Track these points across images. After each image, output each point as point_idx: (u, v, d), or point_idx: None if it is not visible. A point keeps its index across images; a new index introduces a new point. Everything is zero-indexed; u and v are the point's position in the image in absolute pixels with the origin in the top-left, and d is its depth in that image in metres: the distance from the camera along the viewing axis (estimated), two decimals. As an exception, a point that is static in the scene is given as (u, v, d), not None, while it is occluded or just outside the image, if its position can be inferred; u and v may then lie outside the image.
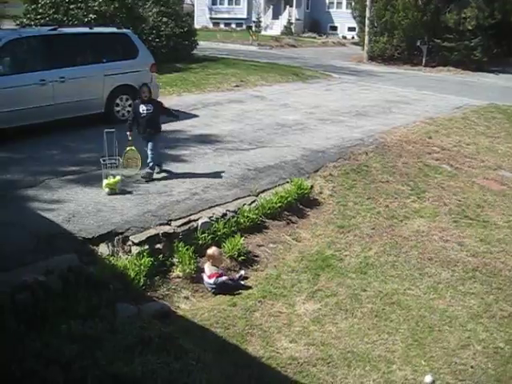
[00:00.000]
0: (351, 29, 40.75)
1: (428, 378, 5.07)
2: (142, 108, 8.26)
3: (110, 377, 3.64)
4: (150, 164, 8.42)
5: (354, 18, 32.95)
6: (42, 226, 6.56)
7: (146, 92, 8.32)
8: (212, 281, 6.44)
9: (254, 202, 8.19)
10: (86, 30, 11.78)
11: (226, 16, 47.82)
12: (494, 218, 8.84)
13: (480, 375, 5.20)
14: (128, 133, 8.33)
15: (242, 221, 7.64)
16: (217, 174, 8.89)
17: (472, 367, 5.30)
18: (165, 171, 8.74)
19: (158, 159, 8.65)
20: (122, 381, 3.61)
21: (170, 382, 3.75)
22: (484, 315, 6.20)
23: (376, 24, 28.89)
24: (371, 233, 8.00)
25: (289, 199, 8.39)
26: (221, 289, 6.43)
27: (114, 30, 12.25)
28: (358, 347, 5.45)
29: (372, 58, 29.34)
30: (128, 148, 8.34)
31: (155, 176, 8.49)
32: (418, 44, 27.71)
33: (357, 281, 6.72)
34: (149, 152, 8.36)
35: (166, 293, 6.24)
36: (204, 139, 11.00)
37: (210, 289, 6.49)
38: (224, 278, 6.49)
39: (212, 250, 6.71)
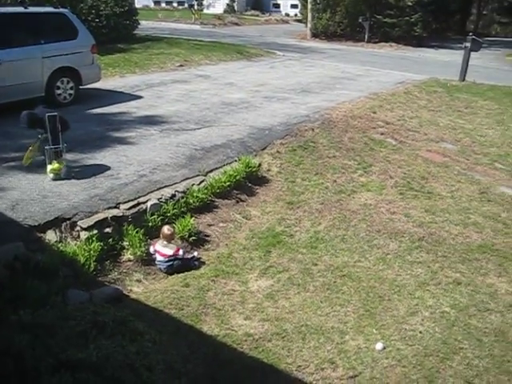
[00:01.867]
0: (294, 6, 40.79)
1: (379, 345, 5.24)
2: None
3: (64, 364, 3.58)
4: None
5: (297, -5, 32.97)
6: (-16, 215, 6.35)
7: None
8: (173, 257, 6.41)
9: (202, 181, 8.15)
10: (20, 9, 11.32)
11: (167, -6, 47.01)
12: (438, 188, 9.11)
13: (428, 339, 5.41)
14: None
15: (191, 201, 7.60)
16: (164, 155, 8.79)
17: (421, 332, 5.50)
18: None
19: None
20: (77, 367, 3.56)
21: (127, 364, 3.73)
22: (431, 282, 6.41)
23: (319, 1, 28.99)
24: (320, 208, 8.11)
25: (237, 178, 8.40)
26: (177, 266, 6.42)
27: (51, 9, 11.83)
28: (312, 320, 5.56)
29: (315, 34, 29.51)
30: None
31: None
32: (360, 20, 28.02)
33: (308, 255, 6.82)
34: None
35: (118, 277, 6.17)
36: (149, 120, 10.83)
37: (163, 268, 6.45)
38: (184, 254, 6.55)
39: (167, 228, 6.67)
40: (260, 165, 9.12)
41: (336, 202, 8.34)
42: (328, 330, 5.42)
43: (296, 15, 40.30)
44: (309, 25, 29.52)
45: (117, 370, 3.61)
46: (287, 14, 44.16)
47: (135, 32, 22.75)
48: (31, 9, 11.41)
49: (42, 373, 3.47)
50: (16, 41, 10.80)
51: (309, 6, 29.10)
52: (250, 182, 8.66)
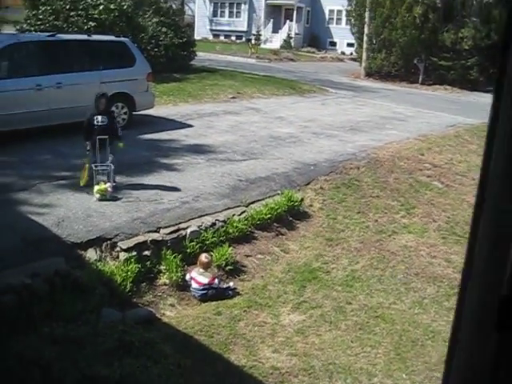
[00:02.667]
0: (350, 45, 41.04)
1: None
2: (98, 119, 8.05)
3: (89, 379, 3.67)
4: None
5: (353, 34, 33.21)
6: (31, 230, 6.60)
7: (103, 103, 8.19)
8: (208, 286, 6.47)
9: (243, 212, 8.24)
10: (84, 37, 11.89)
11: (226, 28, 48.13)
12: (482, 235, 8.90)
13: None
14: (86, 143, 8.15)
15: (230, 231, 7.68)
16: (208, 184, 8.95)
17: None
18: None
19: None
20: (101, 383, 3.65)
21: (148, 385, 3.80)
22: (467, 331, 6.24)
23: (374, 41, 29.15)
24: (359, 247, 8.06)
25: (278, 211, 8.45)
26: (212, 294, 6.47)
27: (112, 38, 12.37)
28: (341, 359, 5.49)
29: (369, 74, 29.57)
30: (86, 159, 8.18)
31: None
32: (415, 62, 27.96)
33: (342, 293, 6.77)
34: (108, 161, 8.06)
35: (152, 299, 6.28)
36: (197, 149, 11.07)
37: (197, 296, 6.52)
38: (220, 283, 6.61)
39: (205, 256, 6.76)
40: (302, 200, 9.15)
41: (376, 241, 8.27)
42: (356, 370, 5.34)
43: (351, 54, 40.56)
44: (363, 64, 29.65)
45: (138, 390, 3.69)
46: (343, 53, 44.49)
47: (192, 63, 23.39)
48: (94, 37, 11.95)
49: (67, 385, 3.58)
50: (77, 66, 11.32)
51: (364, 46, 29.29)
52: (291, 216, 8.69)
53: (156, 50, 20.30)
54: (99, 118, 8.12)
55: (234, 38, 46.91)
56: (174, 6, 33.94)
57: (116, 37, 12.52)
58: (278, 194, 9.03)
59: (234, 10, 47.86)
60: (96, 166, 7.87)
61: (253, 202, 8.61)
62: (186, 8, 48.68)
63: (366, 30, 29.11)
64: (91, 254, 6.44)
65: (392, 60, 28.57)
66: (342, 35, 44.67)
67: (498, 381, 0.91)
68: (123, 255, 6.55)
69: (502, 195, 0.91)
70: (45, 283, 5.52)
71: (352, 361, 5.49)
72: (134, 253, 6.58)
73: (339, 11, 43.83)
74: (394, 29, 27.66)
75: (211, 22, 48.73)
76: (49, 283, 5.54)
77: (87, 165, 8.11)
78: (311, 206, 9.20)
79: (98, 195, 7.76)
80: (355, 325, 6.12)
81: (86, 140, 8.17)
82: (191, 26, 43.16)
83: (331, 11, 46.91)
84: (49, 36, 11.48)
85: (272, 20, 46.09)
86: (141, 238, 6.86)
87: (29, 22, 18.20)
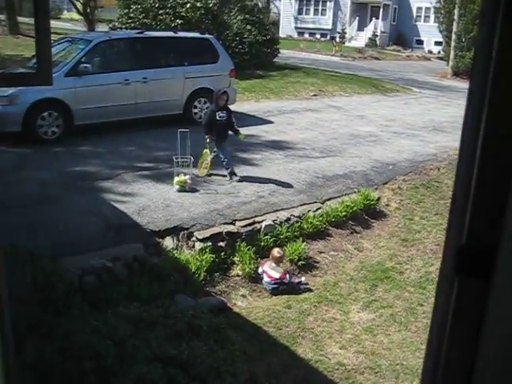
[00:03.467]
0: (438, 43, 39.83)
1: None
2: (220, 114, 8.53)
3: (158, 357, 3.87)
4: (227, 166, 8.71)
5: (441, 32, 32.24)
6: (113, 216, 6.96)
7: (224, 99, 8.61)
8: (279, 281, 6.57)
9: (319, 208, 8.26)
10: (170, 34, 12.30)
11: (311, 26, 48.05)
12: None
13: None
14: (207, 136, 8.60)
15: (305, 226, 7.73)
16: (285, 180, 9.03)
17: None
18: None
19: (229, 162, 8.87)
20: (169, 362, 3.82)
21: (213, 367, 3.93)
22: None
23: (463, 39, 28.18)
24: (435, 249, 7.88)
25: (354, 209, 8.40)
26: (283, 289, 6.56)
27: (197, 35, 12.71)
28: (409, 360, 5.42)
29: (457, 73, 28.64)
30: (204, 151, 8.64)
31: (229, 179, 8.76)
32: (507, 61, 26.79)
33: (415, 295, 6.66)
34: (222, 155, 8.61)
35: (224, 289, 6.44)
36: (276, 145, 11.19)
37: (268, 289, 6.62)
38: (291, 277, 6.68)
39: (277, 251, 6.86)
40: (379, 199, 9.06)
41: (453, 244, 8.05)
42: (425, 372, 5.25)
43: (439, 52, 39.35)
44: (450, 63, 28.75)
45: (203, 371, 3.83)
46: (430, 51, 43.28)
47: (275, 60, 23.56)
48: (180, 33, 12.34)
49: (138, 361, 3.77)
50: (163, 61, 11.74)
51: (452, 44, 28.39)
52: (366, 215, 8.62)
53: (240, 47, 20.62)
54: (220, 113, 8.55)
55: (318, 36, 46.78)
56: (259, 4, 34.27)
57: (201, 34, 12.85)
58: (355, 192, 8.98)
59: (320, 8, 47.66)
60: (177, 159, 8.15)
61: (329, 199, 8.61)
62: (272, 6, 48.97)
63: (454, 28, 28.18)
64: (168, 243, 6.69)
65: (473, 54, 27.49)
66: (429, 33, 43.45)
67: (458, 321, 1.01)
68: (199, 245, 6.76)
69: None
70: (124, 267, 5.81)
71: (420, 363, 5.39)
72: (210, 243, 6.77)
73: (427, 8, 42.68)
74: (486, 27, 26.59)
75: (296, 19, 48.78)
76: (127, 267, 5.83)
77: (209, 156, 8.62)
78: (388, 205, 9.08)
79: (177, 186, 8.03)
80: (426, 327, 5.99)
81: (207, 134, 8.62)
82: (276, 23, 43.41)
83: (419, 8, 45.77)
84: (137, 33, 11.98)
85: (357, 18, 45.53)
86: (216, 229, 7.04)
87: (120, 20, 19.00)
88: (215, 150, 8.73)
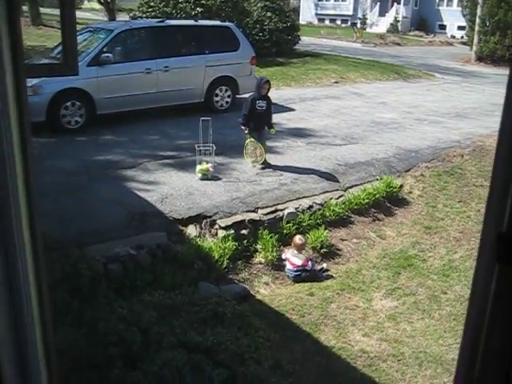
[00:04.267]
0: (461, 28, 39.25)
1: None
2: (260, 104, 8.47)
3: (183, 343, 3.92)
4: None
5: (464, 16, 31.71)
6: (137, 205, 7.02)
7: (266, 88, 8.53)
8: (301, 268, 6.58)
9: (341, 196, 8.25)
10: (190, 22, 12.29)
11: (331, 12, 47.64)
12: None
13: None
14: (243, 127, 8.58)
15: (327, 214, 7.73)
16: (307, 167, 9.01)
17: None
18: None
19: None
20: (193, 349, 3.87)
21: (237, 354, 3.97)
22: None
23: (487, 23, 27.68)
24: (459, 236, 7.83)
25: (377, 196, 8.37)
26: (305, 276, 6.58)
27: (218, 23, 12.69)
28: (432, 348, 5.41)
29: (480, 58, 28.17)
30: (248, 141, 8.63)
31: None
32: (533, 45, 26.30)
33: (438, 283, 6.63)
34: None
35: (247, 277, 6.49)
36: (298, 133, 11.15)
37: (291, 276, 6.65)
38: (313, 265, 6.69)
39: (299, 238, 6.87)
40: (402, 186, 9.00)
41: (477, 232, 7.97)
42: (447, 361, 5.24)
43: (462, 37, 38.74)
44: (474, 48, 28.28)
45: (227, 357, 3.87)
46: (453, 36, 42.64)
47: (296, 47, 23.41)
48: (200, 22, 12.32)
49: (163, 347, 3.83)
50: (184, 50, 11.76)
51: (476, 28, 27.90)
52: (389, 202, 8.58)
53: (260, 34, 20.52)
54: (260, 102, 8.49)
55: (339, 22, 46.38)
56: (280, -9, 34.01)
57: (221, 22, 12.82)
58: (377, 179, 8.93)
59: (341, -6, 47.19)
60: (199, 147, 8.18)
61: (351, 187, 8.59)
62: (292, -8, 48.55)
63: (478, 12, 27.68)
64: (191, 230, 6.74)
65: (507, 43, 26.99)
66: (452, 18, 42.83)
67: (498, 308, 1.01)
68: (221, 233, 6.79)
69: None
70: (148, 255, 5.87)
71: (444, 351, 5.39)
72: (232, 231, 6.81)
73: (451, -8, 41.98)
74: (511, 9, 26.09)
75: (316, 6, 48.41)
76: (151, 255, 5.90)
77: (258, 144, 8.61)
78: (410, 192, 9.02)
79: (199, 174, 8.07)
80: (449, 315, 5.98)
81: (245, 125, 8.55)
82: (297, 10, 43.06)
83: (442, -7, 45.05)
84: (158, 22, 12.00)
85: (379, 3, 45.04)
86: (239, 217, 7.07)
87: (141, 9, 19.02)
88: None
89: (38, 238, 1.26)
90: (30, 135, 1.26)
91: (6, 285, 1.22)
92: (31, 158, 1.25)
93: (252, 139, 8.60)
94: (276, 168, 8.82)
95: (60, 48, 10.58)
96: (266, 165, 8.71)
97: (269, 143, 10.18)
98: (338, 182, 8.62)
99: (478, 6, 27.66)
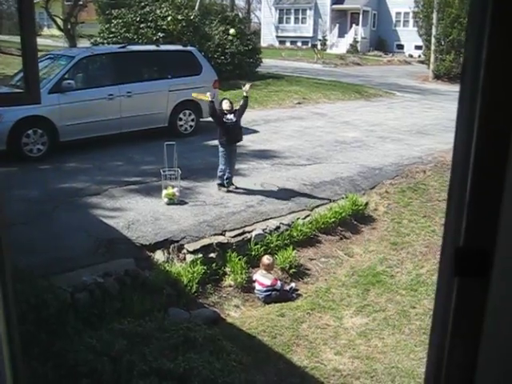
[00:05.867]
0: (418, 47, 40.24)
1: None
2: (227, 117, 8.52)
3: (155, 371, 3.86)
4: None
5: (420, 36, 32.58)
6: (103, 232, 6.94)
7: (226, 104, 8.62)
8: (271, 288, 6.58)
9: (308, 216, 8.30)
10: (152, 47, 12.33)
11: (292, 34, 48.33)
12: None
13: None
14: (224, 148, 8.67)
15: (295, 234, 7.76)
16: (273, 188, 9.06)
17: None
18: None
19: None
20: (165, 376, 3.82)
21: (211, 379, 3.94)
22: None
23: (443, 42, 28.50)
24: (425, 251, 7.95)
25: (343, 215, 8.45)
26: (275, 297, 6.57)
27: (179, 47, 12.76)
28: (403, 363, 5.45)
29: (438, 76, 28.93)
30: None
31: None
32: (487, 63, 27.09)
33: (407, 298, 6.70)
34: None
35: (217, 300, 6.45)
36: (262, 154, 11.22)
37: (261, 297, 6.64)
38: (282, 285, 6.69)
39: (267, 258, 6.88)
40: (367, 203, 9.12)
41: (442, 246, 8.12)
42: (419, 375, 5.28)
43: (419, 56, 39.70)
44: (431, 66, 29.04)
45: (200, 383, 3.83)
46: (410, 55, 43.69)
47: (257, 69, 23.65)
48: (162, 47, 12.38)
49: (135, 376, 3.77)
50: (146, 75, 11.78)
51: (432, 47, 28.69)
52: (355, 220, 8.67)
53: (222, 57, 20.68)
54: (228, 115, 8.55)
55: (299, 44, 47.04)
56: (240, 15, 34.44)
57: (183, 46, 12.89)
58: (343, 197, 9.03)
59: (300, 16, 48.00)
60: (164, 172, 8.16)
61: (317, 206, 8.66)
62: (252, 16, 49.26)
63: (433, 32, 28.50)
64: (159, 256, 6.69)
65: (461, 61, 27.75)
66: (409, 38, 43.88)
67: (460, 320, 1.06)
68: (190, 257, 6.76)
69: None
70: (116, 282, 5.79)
71: (415, 365, 5.44)
72: (200, 255, 6.78)
73: (406, 13, 43.13)
74: (464, 29, 26.92)
75: (277, 28, 49.05)
76: (119, 282, 5.81)
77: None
78: (376, 209, 9.14)
79: (166, 199, 8.03)
80: (419, 329, 6.04)
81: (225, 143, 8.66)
82: (257, 33, 43.59)
83: (398, 13, 46.27)
84: (119, 48, 12.00)
85: (338, 25, 45.89)
86: (206, 241, 7.05)
87: (102, 35, 19.00)
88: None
89: (7, 269, 1.24)
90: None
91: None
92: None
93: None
94: (242, 190, 8.84)
95: (20, 75, 10.49)
96: (232, 187, 8.73)
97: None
98: (304, 202, 8.67)
99: (433, 26, 28.47)
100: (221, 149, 8.61)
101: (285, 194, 8.87)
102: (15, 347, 1.18)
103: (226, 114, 8.53)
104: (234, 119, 8.57)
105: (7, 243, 1.25)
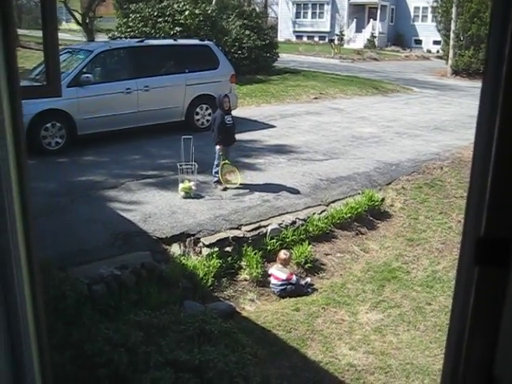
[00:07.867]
0: (436, 42, 39.87)
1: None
2: (228, 119, 8.44)
3: (170, 362, 3.91)
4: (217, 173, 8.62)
5: (439, 31, 32.27)
6: (120, 225, 7.00)
7: (226, 102, 8.46)
8: (286, 282, 6.60)
9: (324, 211, 8.30)
10: (170, 41, 12.37)
11: (309, 29, 48.16)
12: None
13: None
14: (218, 147, 8.40)
15: (310, 229, 7.76)
16: (289, 183, 9.06)
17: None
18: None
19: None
20: (181, 367, 3.86)
21: (225, 371, 3.97)
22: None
23: (462, 37, 28.22)
24: (441, 247, 7.91)
25: (359, 210, 8.43)
26: (290, 291, 6.59)
27: (197, 41, 12.78)
28: (418, 359, 5.44)
29: (456, 72, 28.66)
30: (223, 162, 8.45)
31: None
32: (506, 58, 26.78)
33: (422, 294, 6.68)
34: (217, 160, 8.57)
35: (233, 294, 6.48)
36: (279, 149, 11.23)
37: (276, 291, 6.66)
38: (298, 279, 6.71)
39: (284, 252, 6.90)
40: (383, 199, 9.08)
41: (458, 242, 8.05)
42: (434, 371, 5.27)
43: (438, 51, 39.34)
44: (450, 62, 28.77)
45: (215, 375, 3.86)
46: (429, 51, 43.32)
47: (274, 64, 23.62)
48: (180, 41, 12.41)
49: (151, 367, 3.82)
50: (163, 69, 11.82)
51: (451, 43, 28.41)
52: (371, 216, 8.65)
53: (239, 52, 20.70)
54: (228, 117, 8.48)
55: (316, 39, 46.87)
56: (257, 9, 34.40)
57: (200, 40, 12.91)
58: (359, 193, 9.01)
59: (317, 11, 47.81)
60: (181, 165, 8.19)
61: (333, 201, 8.65)
62: (270, 10, 49.15)
63: (452, 27, 28.21)
64: (175, 249, 6.73)
65: (481, 57, 27.51)
66: (427, 33, 43.54)
67: (479, 310, 1.06)
68: (206, 251, 6.79)
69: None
70: (132, 275, 5.84)
71: (430, 362, 5.42)
72: (216, 249, 6.81)
73: (425, 8, 42.80)
74: (484, 24, 26.63)
75: (294, 23, 48.91)
76: (136, 275, 5.87)
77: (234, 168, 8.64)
78: (392, 205, 9.11)
79: (182, 193, 8.07)
80: (434, 326, 6.03)
81: (219, 143, 8.39)
82: (274, 28, 43.51)
83: (416, 8, 45.89)
84: (137, 42, 12.05)
85: (355, 19, 45.65)
86: (223, 235, 7.08)
87: (120, 29, 19.09)
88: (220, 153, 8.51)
89: (35, 270, 1.26)
90: (26, 160, 1.27)
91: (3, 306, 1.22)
92: (27, 182, 1.27)
93: (227, 162, 8.54)
94: (258, 185, 8.85)
95: (39, 69, 10.59)
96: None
97: (250, 160, 10.27)
98: (320, 197, 8.67)
99: (452, 21, 28.19)
100: (221, 152, 8.46)
101: (301, 189, 8.86)
102: (43, 344, 1.21)
103: (227, 116, 8.45)
104: (232, 121, 8.54)
105: (34, 242, 1.28)
